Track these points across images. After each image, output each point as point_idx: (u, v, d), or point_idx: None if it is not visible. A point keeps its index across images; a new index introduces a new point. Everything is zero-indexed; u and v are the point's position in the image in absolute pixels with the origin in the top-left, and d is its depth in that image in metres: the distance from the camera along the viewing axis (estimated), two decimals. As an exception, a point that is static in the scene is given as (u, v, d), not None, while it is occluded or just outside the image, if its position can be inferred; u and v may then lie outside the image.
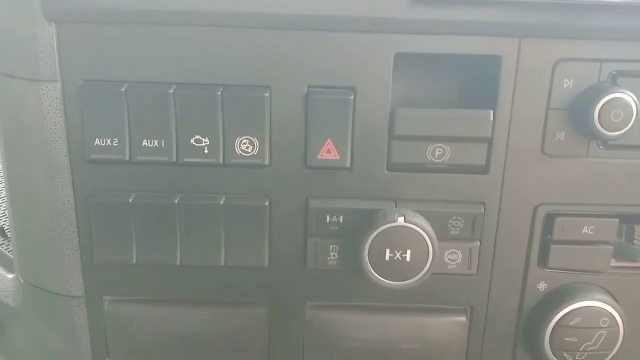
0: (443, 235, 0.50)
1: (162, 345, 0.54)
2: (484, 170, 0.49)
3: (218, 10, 0.45)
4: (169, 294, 0.53)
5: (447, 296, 0.53)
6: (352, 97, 0.47)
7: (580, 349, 0.52)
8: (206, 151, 0.48)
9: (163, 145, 0.47)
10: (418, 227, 0.47)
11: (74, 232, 0.51)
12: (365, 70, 0.47)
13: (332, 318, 0.53)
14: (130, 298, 0.53)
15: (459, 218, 0.50)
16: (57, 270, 0.53)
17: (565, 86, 0.48)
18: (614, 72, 0.48)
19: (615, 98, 0.45)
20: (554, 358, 0.52)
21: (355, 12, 0.45)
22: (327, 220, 0.50)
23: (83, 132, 0.47)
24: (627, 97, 0.45)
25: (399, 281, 0.48)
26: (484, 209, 0.50)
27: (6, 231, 0.71)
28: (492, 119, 0.48)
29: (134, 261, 0.50)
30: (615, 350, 0.52)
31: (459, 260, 0.51)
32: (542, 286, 0.53)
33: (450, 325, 0.53)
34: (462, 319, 0.54)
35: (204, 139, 0.47)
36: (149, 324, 0.53)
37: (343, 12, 0.45)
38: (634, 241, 0.58)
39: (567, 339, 0.51)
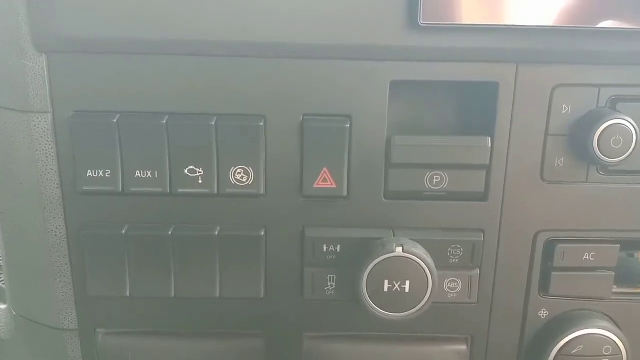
0: (442, 263, 0.49)
1: (157, 378, 0.53)
2: (482, 197, 0.49)
3: (211, 40, 0.44)
4: (164, 327, 0.52)
5: (447, 325, 0.52)
6: (348, 125, 0.46)
7: (583, 378, 0.51)
8: (200, 181, 0.47)
9: (156, 176, 0.46)
10: (417, 257, 0.46)
11: (66, 264, 0.50)
12: (361, 98, 0.46)
13: (330, 349, 0.52)
14: (125, 331, 0.52)
15: (458, 246, 0.49)
16: (50, 303, 0.52)
17: (563, 112, 0.47)
18: (613, 97, 0.47)
19: (615, 124, 0.45)
20: (557, 387, 0.51)
21: (350, 40, 0.44)
22: (324, 250, 0.49)
23: (75, 164, 0.47)
24: (627, 123, 0.45)
25: (398, 312, 0.47)
26: (484, 237, 0.49)
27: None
28: (490, 145, 0.47)
29: (128, 294, 0.49)
30: (619, 379, 0.51)
31: (458, 289, 0.50)
32: (543, 314, 0.52)
33: (450, 354, 0.52)
34: (463, 348, 0.53)
35: (198, 169, 0.47)
36: (144, 357, 0.52)
37: (338, 40, 0.44)
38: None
39: (569, 368, 0.51)
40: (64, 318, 0.52)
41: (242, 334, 0.52)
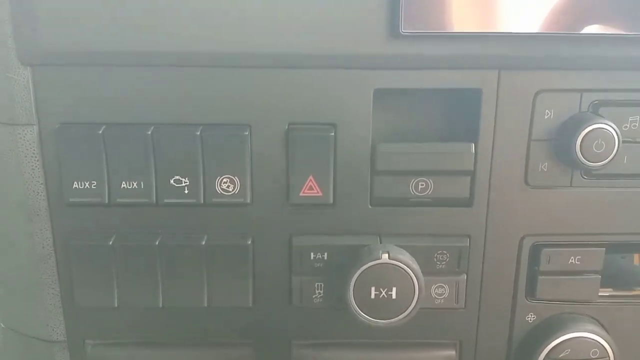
0: (429, 269, 0.49)
1: (147, 389, 0.53)
2: (468, 203, 0.49)
3: (195, 51, 0.44)
4: (153, 337, 0.52)
5: (435, 331, 0.52)
6: (333, 134, 0.47)
7: (571, 381, 0.51)
8: (186, 191, 0.47)
9: (142, 187, 0.47)
10: (403, 263, 0.46)
11: (54, 275, 0.50)
12: (345, 107, 0.46)
13: (319, 357, 0.52)
14: (114, 342, 0.52)
15: (445, 252, 0.49)
16: (38, 315, 0.52)
17: (546, 117, 0.47)
18: (595, 102, 0.47)
19: (597, 129, 0.45)
20: (545, 391, 0.51)
21: (333, 50, 0.44)
22: (312, 258, 0.49)
23: (61, 176, 0.47)
24: (609, 127, 0.45)
25: (386, 319, 0.47)
26: (470, 242, 0.50)
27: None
28: (474, 151, 0.47)
29: (116, 304, 0.49)
30: (606, 381, 0.52)
31: (446, 295, 0.50)
32: (530, 318, 0.52)
33: (439, 360, 0.53)
34: (452, 353, 0.53)
35: (183, 179, 0.47)
36: (133, 368, 0.52)
37: (321, 49, 0.44)
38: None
39: (557, 371, 0.51)
40: (53, 330, 0.52)
41: (230, 343, 0.52)
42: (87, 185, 0.47)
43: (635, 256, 0.58)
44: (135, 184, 0.47)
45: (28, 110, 0.46)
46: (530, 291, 0.51)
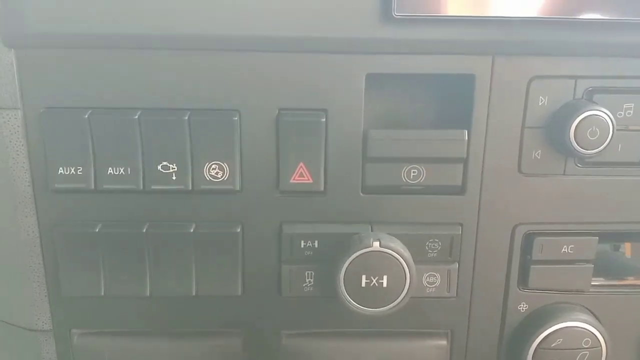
0: (421, 258, 0.48)
1: (134, 379, 0.52)
2: (460, 190, 0.48)
3: (184, 34, 0.43)
4: (140, 326, 0.51)
5: (427, 320, 0.52)
6: (324, 119, 0.46)
7: (563, 371, 0.51)
8: (174, 177, 0.46)
9: (129, 173, 0.46)
10: (394, 251, 0.45)
11: (39, 263, 0.49)
12: (337, 92, 0.46)
13: (309, 347, 0.51)
14: (100, 331, 0.51)
15: (437, 240, 0.49)
16: (23, 304, 0.51)
17: (540, 104, 0.47)
18: (590, 89, 0.47)
19: (591, 115, 0.45)
20: (537, 381, 0.51)
21: (325, 33, 0.44)
22: (302, 246, 0.48)
23: (46, 161, 0.46)
24: (603, 114, 0.45)
25: (376, 308, 0.46)
26: (462, 230, 0.49)
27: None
28: (466, 138, 0.47)
29: (102, 293, 0.48)
30: (598, 371, 0.51)
31: (437, 283, 0.50)
32: (523, 307, 0.51)
33: (431, 349, 0.52)
34: (443, 342, 0.52)
35: (171, 165, 0.46)
36: (120, 358, 0.51)
37: (313, 33, 0.44)
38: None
39: (549, 361, 0.50)
40: (38, 319, 0.51)
41: (219, 332, 0.52)
42: (72, 170, 0.46)
43: (627, 247, 0.58)
44: (122, 170, 0.46)
45: (12, 94, 0.45)
46: (523, 280, 0.51)
